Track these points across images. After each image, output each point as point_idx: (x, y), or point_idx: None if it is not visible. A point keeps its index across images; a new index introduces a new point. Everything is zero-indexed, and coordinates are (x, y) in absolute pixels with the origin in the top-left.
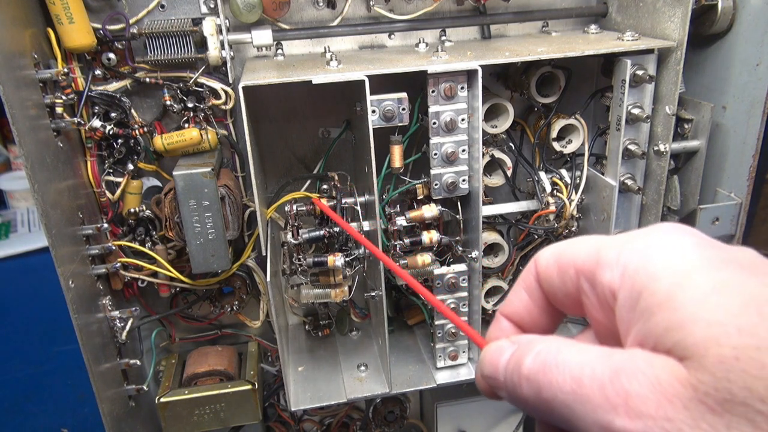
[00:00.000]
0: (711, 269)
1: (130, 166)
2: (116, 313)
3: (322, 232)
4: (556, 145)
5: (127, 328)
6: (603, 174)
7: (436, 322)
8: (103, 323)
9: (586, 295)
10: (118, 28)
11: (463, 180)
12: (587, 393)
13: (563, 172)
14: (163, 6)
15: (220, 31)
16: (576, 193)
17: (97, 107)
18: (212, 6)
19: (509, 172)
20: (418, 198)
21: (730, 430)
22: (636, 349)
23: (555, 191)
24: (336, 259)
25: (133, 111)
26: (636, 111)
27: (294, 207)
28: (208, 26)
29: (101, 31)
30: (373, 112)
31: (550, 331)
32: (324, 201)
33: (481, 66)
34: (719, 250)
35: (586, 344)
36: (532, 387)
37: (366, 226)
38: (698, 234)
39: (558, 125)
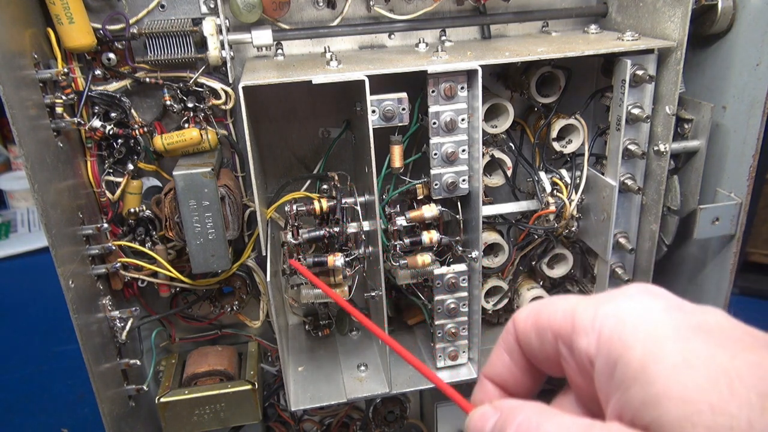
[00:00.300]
0: (680, 339)
1: (130, 166)
2: (116, 313)
3: (322, 232)
4: (556, 145)
5: (127, 328)
6: (603, 174)
7: (436, 322)
8: (103, 323)
9: (565, 360)
10: (118, 28)
11: (463, 180)
12: None
13: (563, 172)
14: (163, 6)
15: (220, 31)
16: (576, 193)
17: (97, 107)
18: (212, 6)
19: (509, 172)
20: (418, 198)
21: None
22: (614, 423)
23: (555, 191)
24: (336, 259)
25: (133, 111)
26: (636, 111)
27: (294, 207)
28: (208, 26)
29: (101, 31)
30: (373, 112)
31: (533, 391)
32: (324, 201)
33: (481, 66)
34: (688, 314)
35: (567, 415)
36: None
37: (366, 226)
38: (667, 296)
39: (558, 125)
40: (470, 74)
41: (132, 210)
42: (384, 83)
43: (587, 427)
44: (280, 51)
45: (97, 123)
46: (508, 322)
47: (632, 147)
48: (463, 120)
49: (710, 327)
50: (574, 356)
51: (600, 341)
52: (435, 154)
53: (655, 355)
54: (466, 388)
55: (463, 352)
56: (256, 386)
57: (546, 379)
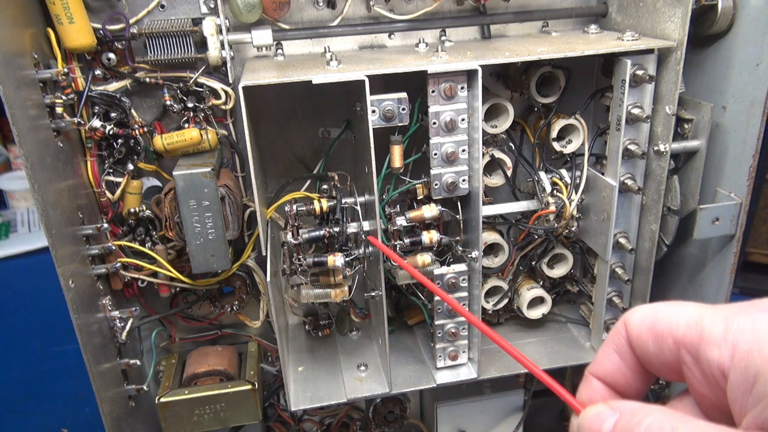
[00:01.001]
0: None
1: (130, 166)
2: (116, 313)
3: (322, 232)
4: (556, 145)
5: (127, 328)
6: (603, 174)
7: (436, 322)
8: (103, 323)
9: (688, 368)
10: (118, 28)
11: (463, 180)
12: None
13: (563, 172)
14: (163, 6)
15: (220, 31)
16: (576, 193)
17: (97, 107)
18: (212, 6)
19: (509, 172)
20: (418, 198)
21: None
22: None
23: (555, 191)
24: (336, 259)
25: (133, 111)
26: (636, 111)
27: (294, 207)
28: (208, 26)
29: (101, 31)
30: (373, 112)
31: (643, 392)
32: (324, 201)
33: (481, 66)
34: None
35: (701, 420)
36: None
37: (366, 226)
38: None
39: (558, 125)
40: (470, 74)
41: (132, 210)
42: (384, 83)
43: None
44: (280, 51)
45: (97, 123)
46: (617, 323)
47: (632, 147)
48: (463, 120)
49: None
50: (701, 366)
51: (736, 354)
52: (435, 154)
53: None
54: (466, 388)
55: (463, 352)
56: (256, 386)
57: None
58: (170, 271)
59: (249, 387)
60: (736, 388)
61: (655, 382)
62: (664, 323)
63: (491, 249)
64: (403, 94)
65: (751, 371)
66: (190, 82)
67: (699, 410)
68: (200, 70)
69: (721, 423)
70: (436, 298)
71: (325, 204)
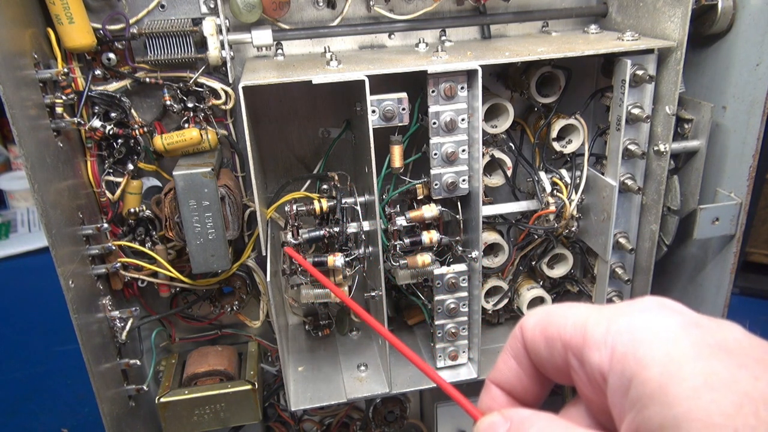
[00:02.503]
0: (700, 358)
1: (130, 166)
2: (116, 313)
3: (322, 232)
4: (556, 145)
5: (127, 328)
6: (603, 174)
7: (436, 322)
8: (103, 323)
9: (575, 372)
10: (118, 28)
11: (463, 180)
12: None
13: (563, 172)
14: (163, 6)
15: (220, 31)
16: (576, 193)
17: (97, 107)
18: (212, 6)
19: (509, 172)
20: (418, 198)
21: None
22: None
23: (555, 191)
24: (336, 259)
25: (133, 111)
26: (636, 111)
27: (294, 207)
28: (208, 26)
29: (101, 31)
30: (373, 112)
31: (541, 398)
32: (324, 201)
33: (481, 66)
34: (706, 331)
35: (580, 428)
36: None
37: (366, 226)
38: (684, 311)
39: (558, 125)
40: (470, 74)
41: (132, 210)
42: (384, 83)
43: None
44: (280, 51)
45: (97, 123)
46: (515, 328)
47: (632, 147)
48: (463, 120)
49: (730, 345)
50: (585, 369)
51: (614, 357)
52: (435, 154)
53: (674, 375)
54: (466, 388)
55: (463, 352)
56: (256, 386)
57: (553, 386)
58: (170, 271)
59: (249, 387)
60: (614, 392)
61: (556, 387)
62: (554, 326)
63: (491, 249)
64: (403, 94)
65: (626, 375)
66: (190, 82)
67: (589, 415)
68: (200, 70)
69: (610, 428)
70: (436, 298)
71: (325, 204)
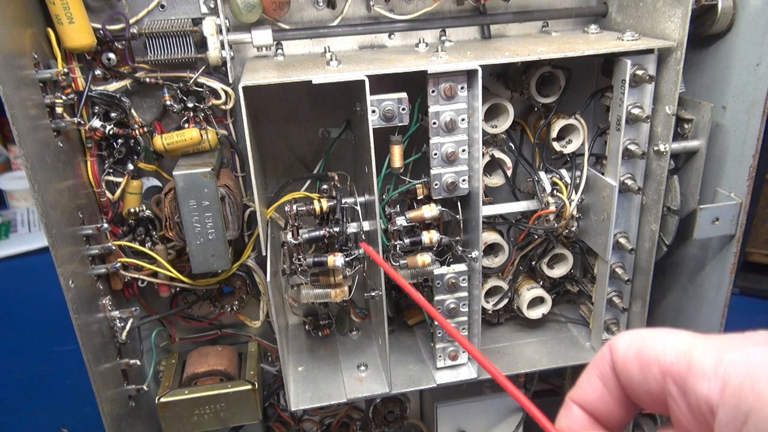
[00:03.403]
0: None
1: (130, 166)
2: (116, 313)
3: (322, 232)
4: (556, 145)
5: (127, 328)
6: (603, 174)
7: (436, 322)
8: (103, 323)
9: (674, 400)
10: (118, 28)
11: (463, 180)
12: None
13: (563, 172)
14: (163, 6)
15: (220, 31)
16: (576, 193)
17: (97, 107)
18: (212, 6)
19: (509, 172)
20: (418, 198)
21: None
22: None
23: (555, 191)
24: (336, 259)
25: (133, 111)
26: (636, 111)
27: (294, 207)
28: (208, 26)
29: (101, 31)
30: (373, 112)
31: (625, 423)
32: (324, 201)
33: (481, 66)
34: None
35: None
36: None
37: (366, 226)
38: None
39: (558, 125)
40: (470, 74)
41: (132, 210)
42: (384, 83)
43: None
44: (280, 51)
45: (97, 123)
46: (602, 348)
47: (632, 147)
48: (463, 120)
49: None
50: (688, 399)
51: (726, 390)
52: (435, 154)
53: None
54: (466, 387)
55: (463, 352)
56: (256, 386)
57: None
58: (170, 271)
59: (249, 387)
60: (725, 426)
61: (640, 412)
62: (651, 350)
63: (491, 249)
64: (403, 94)
65: (742, 409)
66: (190, 82)
67: None
68: (200, 70)
69: None
70: (436, 298)
71: (325, 204)
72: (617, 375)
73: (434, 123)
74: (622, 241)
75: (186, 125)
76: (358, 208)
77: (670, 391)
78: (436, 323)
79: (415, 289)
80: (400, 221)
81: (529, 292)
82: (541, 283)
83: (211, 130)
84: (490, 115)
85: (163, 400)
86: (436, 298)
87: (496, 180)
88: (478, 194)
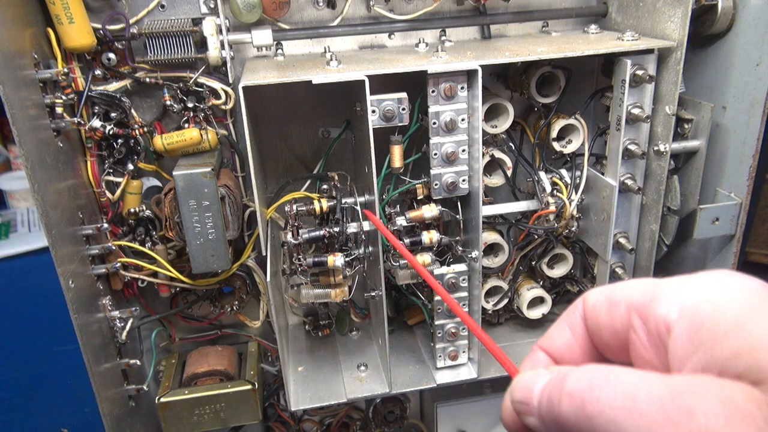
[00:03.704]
0: None
1: (130, 166)
2: (116, 313)
3: (322, 232)
4: (556, 145)
5: (127, 328)
6: (603, 174)
7: (436, 322)
8: (103, 323)
9: (636, 332)
10: (118, 28)
11: (463, 180)
12: (642, 409)
13: (563, 172)
14: (163, 6)
15: (220, 31)
16: (576, 193)
17: (97, 107)
18: (212, 6)
19: (509, 172)
20: (418, 198)
21: None
22: (699, 374)
23: (555, 191)
24: (336, 259)
25: (133, 111)
26: (636, 111)
27: (294, 207)
28: (208, 26)
29: (101, 31)
30: (373, 112)
31: None
32: (324, 201)
33: (481, 66)
34: None
35: (631, 369)
36: (574, 403)
37: (366, 226)
38: (757, 280)
39: (558, 125)
40: (470, 74)
41: (132, 210)
42: (384, 83)
43: (666, 377)
44: (280, 51)
45: (97, 123)
46: (576, 300)
47: (632, 147)
48: (463, 120)
49: None
50: (648, 326)
51: (683, 308)
52: (435, 154)
53: (751, 314)
54: (466, 387)
55: (463, 352)
56: (256, 386)
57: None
58: (170, 271)
59: (249, 387)
60: (678, 339)
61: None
62: (620, 292)
63: (491, 249)
64: (403, 94)
65: (697, 319)
66: (190, 82)
67: None
68: (200, 70)
69: None
70: (437, 297)
71: (325, 204)
72: (586, 323)
73: (434, 123)
74: (622, 241)
75: (186, 125)
76: (358, 208)
77: (633, 324)
78: (436, 323)
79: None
80: (400, 221)
81: (529, 292)
82: (541, 283)
83: (211, 130)
84: (490, 115)
85: (163, 400)
86: (437, 298)
87: (496, 180)
88: (478, 194)
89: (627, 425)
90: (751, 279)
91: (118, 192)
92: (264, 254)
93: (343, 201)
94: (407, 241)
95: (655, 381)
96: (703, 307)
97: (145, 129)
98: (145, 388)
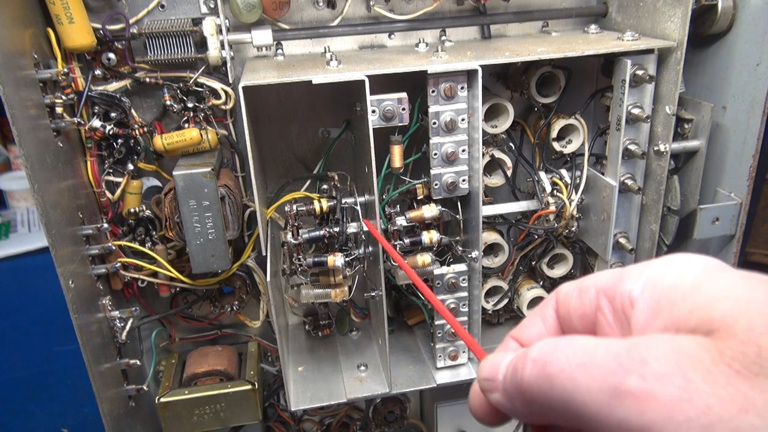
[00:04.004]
0: (734, 273)
1: (130, 166)
2: (116, 313)
3: (322, 232)
4: (556, 145)
5: (127, 328)
6: (603, 174)
7: (436, 322)
8: (103, 323)
9: (603, 313)
10: (118, 28)
11: (463, 180)
12: (598, 362)
13: (563, 172)
14: (163, 6)
15: (220, 31)
16: (576, 193)
17: (97, 107)
18: (212, 6)
19: (509, 172)
20: (418, 198)
21: (758, 392)
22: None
23: (555, 191)
24: (336, 259)
25: (133, 111)
26: (636, 111)
27: (294, 207)
28: (208, 26)
29: (101, 31)
30: (373, 112)
31: None
32: (324, 201)
33: (481, 66)
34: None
35: (584, 336)
36: (537, 366)
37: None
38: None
39: (558, 125)
40: (470, 74)
41: (132, 210)
42: (384, 83)
43: (623, 339)
44: (280, 51)
45: (97, 123)
46: (550, 294)
47: (632, 147)
48: (463, 120)
49: (762, 276)
50: (614, 305)
51: (647, 283)
52: (435, 154)
53: (709, 277)
54: (466, 387)
55: (463, 352)
56: (256, 386)
57: None
58: (170, 271)
59: (249, 387)
60: (641, 311)
61: None
62: (590, 279)
63: (491, 249)
64: (403, 94)
65: (658, 290)
66: (190, 82)
67: None
68: (200, 70)
69: None
70: (437, 297)
71: (325, 204)
72: (557, 312)
73: (434, 123)
74: (622, 241)
75: (186, 125)
76: (358, 208)
77: (600, 306)
78: (436, 323)
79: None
80: (400, 221)
81: (529, 292)
82: (541, 283)
83: (211, 130)
84: (490, 115)
85: (163, 400)
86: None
87: (496, 180)
88: (478, 194)
89: (583, 379)
90: (712, 258)
91: (118, 192)
92: (264, 254)
93: (343, 201)
94: (407, 241)
95: (613, 341)
96: (665, 279)
97: (145, 129)
98: (145, 388)
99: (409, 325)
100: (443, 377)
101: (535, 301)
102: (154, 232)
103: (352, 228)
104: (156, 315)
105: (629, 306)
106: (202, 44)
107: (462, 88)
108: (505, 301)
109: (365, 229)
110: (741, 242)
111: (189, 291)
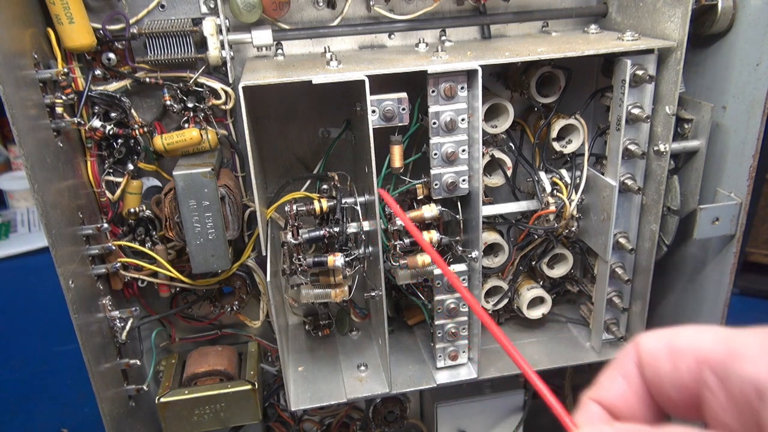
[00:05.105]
0: None
1: (130, 166)
2: (116, 313)
3: (322, 232)
4: (556, 145)
5: (127, 328)
6: (603, 174)
7: (436, 322)
8: (103, 323)
9: (712, 392)
10: (118, 28)
11: (463, 180)
12: None
13: (563, 172)
14: (163, 6)
15: (220, 31)
16: (576, 193)
17: (97, 107)
18: (212, 6)
19: (509, 172)
20: (418, 198)
21: None
22: None
23: (555, 191)
24: (336, 259)
25: (133, 111)
26: (636, 111)
27: (294, 207)
28: (208, 26)
29: (101, 31)
30: (373, 112)
31: (648, 422)
32: (324, 201)
33: (481, 66)
34: None
35: None
36: None
37: (366, 226)
38: None
39: (558, 125)
40: (470, 74)
41: (132, 210)
42: (384, 83)
43: None
44: (280, 51)
45: (97, 123)
46: (627, 345)
47: (632, 147)
48: (463, 120)
49: None
50: (729, 386)
51: None
52: (435, 154)
53: None
54: (466, 388)
55: (463, 352)
56: (256, 386)
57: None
58: (170, 271)
59: (249, 387)
60: None
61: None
62: (684, 340)
63: (491, 249)
64: (403, 94)
65: None
66: (190, 82)
67: None
68: (200, 70)
69: None
70: (436, 297)
71: (325, 204)
72: (642, 371)
73: (434, 123)
74: (622, 241)
75: (186, 125)
76: (358, 208)
77: (706, 381)
78: (436, 323)
79: (415, 288)
80: (400, 221)
81: (529, 292)
82: (541, 283)
83: (211, 130)
84: (490, 115)
85: (163, 400)
86: (437, 298)
87: (496, 180)
88: (478, 194)
89: None
90: None
91: (118, 192)
92: (264, 254)
93: (343, 201)
94: (407, 241)
95: None
96: None
97: (145, 129)
98: (145, 388)
99: (409, 325)
100: (443, 377)
101: (535, 301)
102: (154, 232)
103: (352, 228)
104: (156, 315)
105: (755, 398)
106: (202, 44)
107: (462, 88)
108: (505, 301)
109: (366, 228)
110: (741, 242)
111: (189, 291)
